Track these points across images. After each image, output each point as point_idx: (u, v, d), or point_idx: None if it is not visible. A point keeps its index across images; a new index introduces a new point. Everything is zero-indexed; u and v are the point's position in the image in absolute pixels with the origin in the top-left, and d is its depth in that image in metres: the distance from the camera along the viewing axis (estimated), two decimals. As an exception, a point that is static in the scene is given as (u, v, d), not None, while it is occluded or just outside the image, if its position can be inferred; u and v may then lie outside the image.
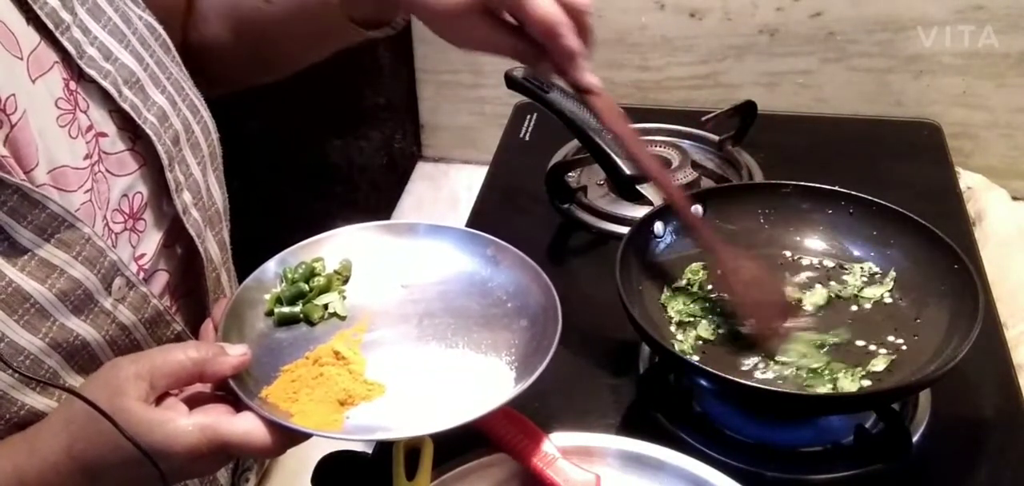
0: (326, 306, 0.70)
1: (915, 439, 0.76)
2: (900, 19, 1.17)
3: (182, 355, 0.59)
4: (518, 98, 1.14)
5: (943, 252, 0.80)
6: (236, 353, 0.61)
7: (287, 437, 0.58)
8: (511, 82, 1.04)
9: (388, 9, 0.78)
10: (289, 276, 0.72)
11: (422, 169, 1.39)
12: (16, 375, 0.60)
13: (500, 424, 0.71)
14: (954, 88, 1.20)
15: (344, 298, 0.71)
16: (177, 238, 0.74)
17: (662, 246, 0.87)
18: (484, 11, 0.70)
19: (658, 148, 1.12)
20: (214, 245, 0.77)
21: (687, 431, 0.77)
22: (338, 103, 1.38)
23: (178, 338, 0.72)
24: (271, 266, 0.73)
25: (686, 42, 1.25)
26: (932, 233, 0.81)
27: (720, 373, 0.74)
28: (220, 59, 0.88)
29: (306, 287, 0.71)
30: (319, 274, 0.72)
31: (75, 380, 0.65)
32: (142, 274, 0.69)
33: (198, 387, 0.61)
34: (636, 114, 1.19)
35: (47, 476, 0.58)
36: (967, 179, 1.15)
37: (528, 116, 1.22)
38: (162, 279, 0.73)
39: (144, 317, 0.68)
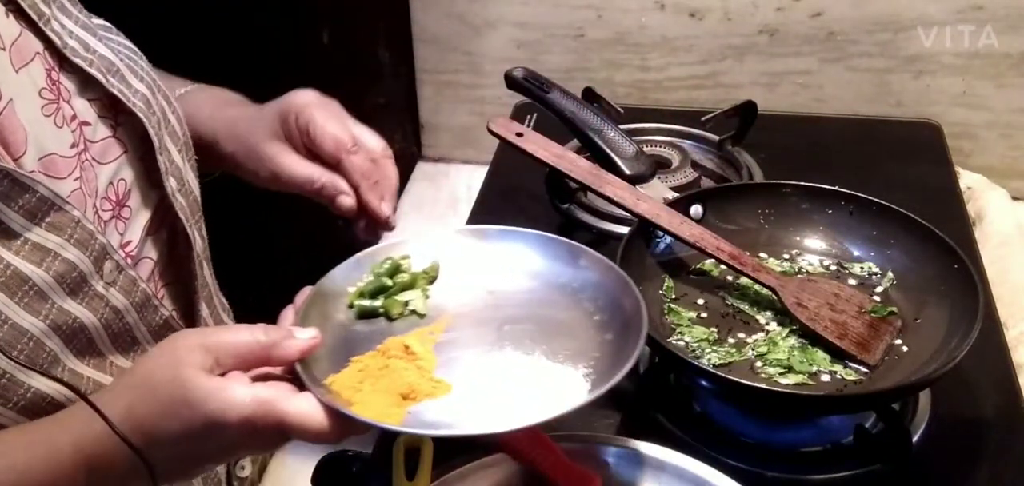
0: (407, 303, 0.70)
1: (915, 439, 0.76)
2: (900, 19, 1.17)
3: (250, 335, 0.59)
4: (518, 98, 1.14)
5: (943, 252, 0.80)
6: (305, 337, 0.60)
7: (344, 424, 0.57)
8: (511, 82, 1.04)
9: (217, 168, 0.85)
10: (374, 270, 0.72)
11: (422, 169, 1.39)
12: (21, 356, 0.60)
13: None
14: (954, 88, 1.20)
15: (427, 297, 0.70)
16: (161, 223, 0.74)
17: (662, 246, 0.87)
18: (285, 144, 0.80)
19: (658, 148, 1.12)
20: (197, 233, 0.77)
21: (687, 431, 0.77)
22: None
23: (167, 323, 0.72)
24: (359, 259, 0.72)
25: (686, 42, 1.25)
26: (932, 233, 0.81)
27: (720, 373, 0.74)
28: None
29: (389, 282, 0.70)
30: (404, 271, 0.72)
31: (74, 363, 0.65)
32: (129, 260, 0.70)
33: (267, 370, 0.60)
34: (636, 114, 1.19)
35: (104, 437, 0.58)
36: (967, 179, 1.15)
37: (528, 116, 1.22)
38: (148, 265, 0.73)
39: (134, 300, 0.69)
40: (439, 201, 1.30)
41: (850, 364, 0.76)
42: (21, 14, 0.64)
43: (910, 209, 0.84)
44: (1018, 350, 0.86)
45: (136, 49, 0.76)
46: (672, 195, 0.96)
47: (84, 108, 0.68)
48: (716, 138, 1.12)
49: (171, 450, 0.58)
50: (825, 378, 0.75)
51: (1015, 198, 1.15)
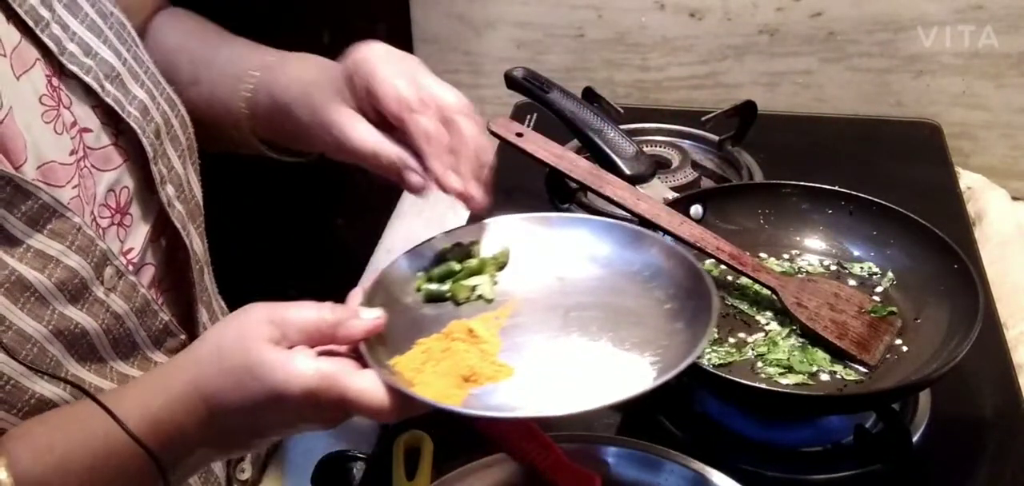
0: (474, 288, 0.69)
1: (915, 439, 0.76)
2: (900, 19, 1.17)
3: (317, 312, 0.59)
4: (518, 98, 1.14)
5: (943, 252, 0.80)
6: (370, 317, 0.60)
7: (404, 403, 0.57)
8: (511, 82, 1.05)
9: (302, 146, 0.79)
10: (442, 255, 0.71)
11: (422, 169, 1.39)
12: (27, 360, 0.60)
13: (501, 425, 0.71)
14: (954, 88, 1.20)
15: (495, 283, 0.70)
16: (162, 231, 0.74)
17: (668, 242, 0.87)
18: (355, 107, 0.71)
19: (658, 148, 1.12)
20: (196, 238, 0.77)
21: (687, 431, 0.77)
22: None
23: (166, 328, 0.73)
24: (428, 243, 0.72)
25: (686, 42, 1.25)
26: (932, 233, 0.81)
27: (720, 373, 0.74)
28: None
29: (457, 267, 0.70)
30: (473, 256, 0.71)
31: (77, 369, 0.65)
32: (131, 267, 0.70)
33: (331, 347, 0.60)
34: (636, 114, 1.19)
35: (173, 407, 0.59)
36: (967, 179, 1.15)
37: (528, 116, 1.21)
38: (149, 272, 0.73)
39: (134, 306, 0.69)
40: (439, 201, 1.29)
41: (850, 364, 0.76)
42: (19, 20, 0.64)
43: (910, 209, 0.84)
44: (1018, 350, 0.86)
45: (134, 33, 0.75)
46: (672, 195, 0.96)
47: (86, 115, 0.67)
48: (716, 138, 1.12)
49: (235, 420, 0.58)
50: (825, 378, 0.75)
51: (1015, 198, 1.15)
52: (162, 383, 0.60)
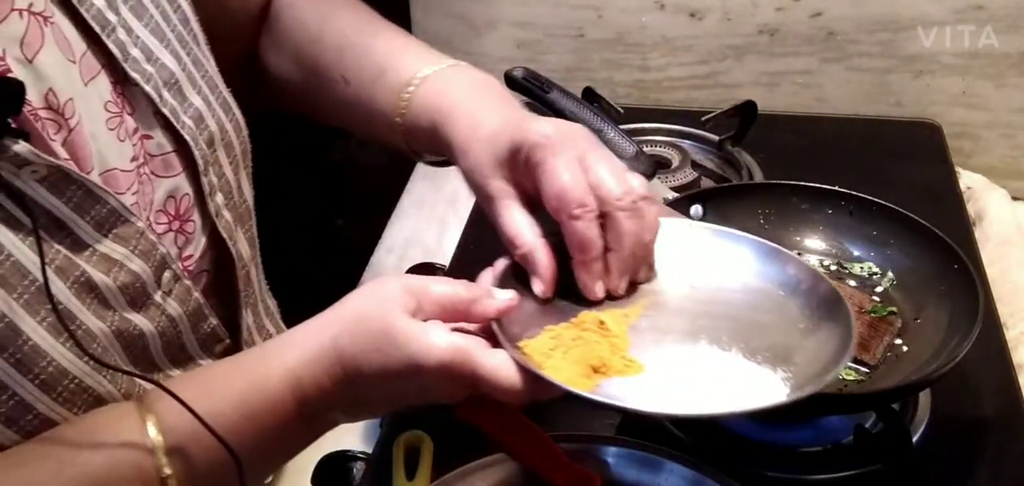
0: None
1: (915, 439, 0.76)
2: (900, 19, 1.17)
3: (452, 288, 0.60)
4: (518, 98, 1.14)
5: (943, 252, 0.80)
6: (504, 297, 0.61)
7: (535, 385, 0.57)
8: (511, 82, 1.04)
9: (441, 150, 0.76)
10: None
11: (422, 169, 1.39)
12: (91, 362, 0.60)
13: (500, 424, 0.71)
14: (954, 88, 1.20)
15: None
16: (213, 239, 0.74)
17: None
18: (513, 179, 0.67)
19: (658, 148, 1.12)
20: (244, 242, 0.77)
21: (687, 431, 0.77)
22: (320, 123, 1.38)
23: (213, 332, 0.73)
24: None
25: (686, 42, 1.25)
26: (932, 233, 0.81)
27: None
28: (283, 89, 0.88)
29: None
30: None
31: (133, 368, 0.65)
32: (187, 273, 0.70)
33: (463, 325, 0.61)
34: (636, 114, 1.19)
35: (312, 362, 0.60)
36: (967, 179, 1.15)
37: (528, 116, 1.22)
38: (204, 278, 0.73)
39: (188, 310, 0.69)
40: (439, 201, 1.30)
41: (850, 364, 0.76)
42: (85, 27, 0.63)
43: (910, 209, 0.84)
44: (1018, 350, 0.87)
45: (198, 32, 0.74)
46: (672, 195, 0.96)
47: (148, 121, 0.67)
48: (716, 138, 1.12)
49: (369, 385, 0.59)
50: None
51: (1015, 198, 1.15)
52: (304, 341, 0.61)
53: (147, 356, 0.66)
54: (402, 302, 0.59)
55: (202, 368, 0.64)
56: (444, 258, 1.08)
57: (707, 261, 0.70)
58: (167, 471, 0.58)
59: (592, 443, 0.71)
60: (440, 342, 0.57)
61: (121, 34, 0.65)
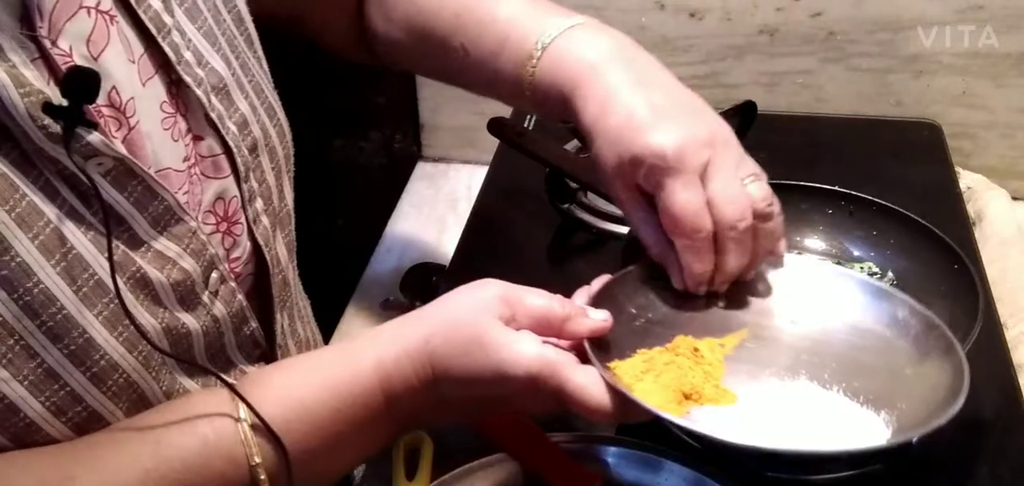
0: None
1: (915, 439, 0.76)
2: (900, 19, 1.17)
3: (547, 301, 0.61)
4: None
5: (943, 252, 0.80)
6: (598, 317, 0.61)
7: (623, 406, 0.57)
8: (511, 82, 1.04)
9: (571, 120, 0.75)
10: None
11: (422, 169, 1.39)
12: (140, 357, 0.61)
13: (501, 424, 0.71)
14: (954, 88, 1.20)
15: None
16: (254, 243, 0.74)
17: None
18: (635, 184, 0.67)
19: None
20: (282, 248, 0.77)
21: (687, 431, 0.77)
22: (338, 103, 1.38)
23: (252, 336, 0.73)
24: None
25: (686, 42, 1.25)
26: (932, 233, 0.81)
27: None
28: (395, 55, 0.87)
29: None
30: None
31: (176, 367, 0.66)
32: (234, 275, 0.70)
33: (554, 340, 0.61)
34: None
35: (403, 360, 0.60)
36: (967, 179, 1.15)
37: (528, 116, 1.22)
38: (249, 281, 0.74)
39: (231, 311, 0.69)
40: (439, 201, 1.30)
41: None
42: (142, 28, 0.64)
43: (910, 209, 0.84)
44: (1018, 350, 0.86)
45: (251, 32, 0.74)
46: (672, 195, 0.96)
47: (199, 123, 0.68)
48: (716, 138, 1.12)
49: (457, 388, 0.60)
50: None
51: (1015, 198, 1.15)
52: (397, 337, 0.61)
53: (189, 356, 0.66)
54: (497, 309, 0.59)
55: (292, 358, 0.66)
56: (444, 258, 1.08)
57: (813, 297, 0.68)
58: (256, 459, 0.58)
59: (592, 443, 0.71)
60: (529, 352, 0.57)
61: (176, 37, 0.65)
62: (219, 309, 0.68)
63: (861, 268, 0.85)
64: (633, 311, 0.67)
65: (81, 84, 0.55)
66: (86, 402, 0.59)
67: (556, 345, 0.60)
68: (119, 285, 0.57)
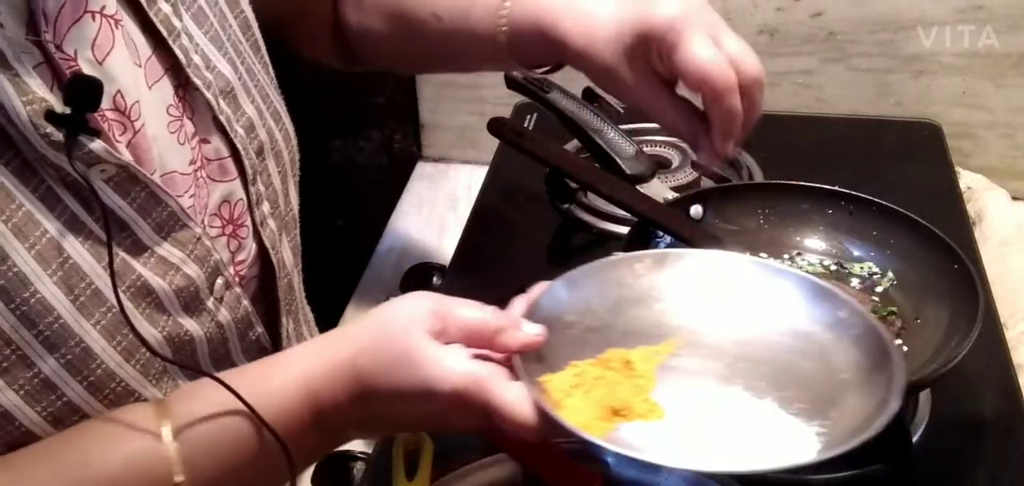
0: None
1: (915, 439, 0.76)
2: (900, 19, 1.17)
3: (480, 313, 0.59)
4: (518, 98, 1.14)
5: (943, 252, 0.79)
6: (532, 331, 0.60)
7: (548, 424, 0.56)
8: (511, 82, 1.04)
9: (555, 57, 0.75)
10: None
11: (422, 169, 1.39)
12: (139, 366, 0.61)
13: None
14: (954, 88, 1.20)
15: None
16: (262, 245, 0.74)
17: (663, 246, 0.87)
18: (645, 67, 0.67)
19: (658, 148, 1.12)
20: (288, 251, 0.77)
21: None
22: (338, 103, 1.38)
23: (258, 341, 0.73)
24: (606, 263, 0.69)
25: (686, 42, 1.25)
26: (932, 233, 0.81)
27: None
28: (371, 46, 0.87)
29: None
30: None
31: (179, 374, 0.65)
32: (239, 279, 0.70)
33: (487, 352, 0.60)
34: (636, 114, 1.19)
35: (331, 375, 0.59)
36: (967, 179, 1.15)
37: (528, 116, 1.22)
38: (253, 285, 0.74)
39: (236, 317, 0.69)
40: (439, 201, 1.30)
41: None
42: (151, 31, 0.64)
43: (910, 209, 0.84)
44: (1018, 350, 0.86)
45: (257, 37, 0.74)
46: (672, 195, 0.96)
47: (206, 126, 0.68)
48: (716, 138, 1.12)
49: (384, 404, 0.59)
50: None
51: (1015, 198, 1.15)
52: (325, 352, 0.61)
53: (194, 362, 0.66)
54: (427, 323, 0.58)
55: (225, 372, 0.64)
56: (444, 258, 1.08)
57: (753, 299, 0.67)
58: (179, 477, 0.58)
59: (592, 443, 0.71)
60: (456, 368, 0.56)
61: (185, 40, 0.66)
62: (224, 315, 0.68)
63: (861, 268, 0.85)
64: (571, 319, 0.65)
65: (84, 92, 0.55)
66: (83, 411, 0.59)
67: (491, 358, 0.59)
68: (119, 294, 0.57)
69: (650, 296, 0.67)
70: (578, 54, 0.70)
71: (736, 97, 0.65)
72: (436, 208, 1.29)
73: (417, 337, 0.57)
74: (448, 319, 0.59)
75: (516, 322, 0.60)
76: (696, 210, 0.88)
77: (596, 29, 0.69)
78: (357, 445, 0.83)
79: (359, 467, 0.81)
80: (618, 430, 0.57)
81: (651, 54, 0.66)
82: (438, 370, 0.56)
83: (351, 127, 1.41)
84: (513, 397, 0.56)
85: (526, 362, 0.59)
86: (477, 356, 0.58)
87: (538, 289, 0.65)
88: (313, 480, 0.80)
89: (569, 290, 0.67)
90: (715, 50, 0.65)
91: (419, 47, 0.83)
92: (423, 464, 0.74)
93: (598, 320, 0.66)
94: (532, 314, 0.62)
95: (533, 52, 0.75)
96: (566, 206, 1.05)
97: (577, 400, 0.58)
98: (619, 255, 0.69)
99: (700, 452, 0.56)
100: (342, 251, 1.26)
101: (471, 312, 0.60)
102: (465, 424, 0.59)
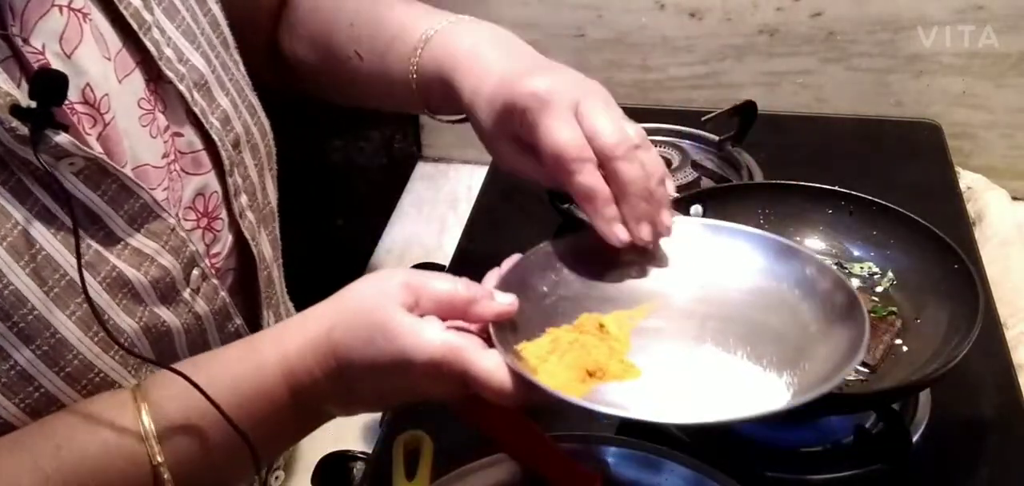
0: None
1: (915, 439, 0.76)
2: (900, 19, 1.17)
3: (453, 285, 0.60)
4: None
5: (943, 252, 0.80)
6: (504, 301, 0.61)
7: (526, 389, 0.57)
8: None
9: (456, 107, 0.77)
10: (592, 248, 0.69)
11: (422, 169, 1.39)
12: (117, 356, 0.61)
13: (500, 424, 0.71)
14: (954, 88, 1.20)
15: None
16: (240, 238, 0.74)
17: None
18: (515, 136, 0.69)
19: (658, 148, 1.12)
20: (267, 244, 0.78)
21: (687, 431, 0.77)
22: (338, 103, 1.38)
23: (237, 333, 0.73)
24: (582, 236, 0.70)
25: (686, 42, 1.25)
26: (932, 233, 0.81)
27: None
28: (302, 75, 0.88)
29: None
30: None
31: (157, 366, 0.65)
32: (215, 271, 0.70)
33: (462, 324, 0.60)
34: (636, 114, 1.18)
35: (306, 352, 0.60)
36: (967, 179, 1.15)
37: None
38: (230, 277, 0.74)
39: (214, 308, 0.69)
40: (439, 201, 1.30)
41: (850, 364, 0.76)
42: (121, 24, 0.64)
43: (910, 209, 0.84)
44: (1018, 350, 0.86)
45: (227, 36, 0.75)
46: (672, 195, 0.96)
47: (179, 119, 0.68)
48: (716, 138, 1.12)
49: (360, 377, 0.59)
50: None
51: (1015, 198, 1.15)
52: (300, 329, 0.61)
53: (172, 353, 0.66)
54: (400, 296, 0.58)
55: (199, 356, 0.64)
56: (444, 258, 1.08)
57: (720, 260, 0.69)
58: (158, 458, 0.58)
59: (592, 443, 0.71)
60: (433, 339, 0.56)
61: (156, 33, 0.66)
62: (201, 306, 0.68)
63: (861, 268, 0.85)
64: (544, 289, 0.67)
65: (49, 85, 0.55)
66: (61, 403, 0.59)
67: (464, 329, 0.59)
68: (88, 284, 0.57)
69: (622, 264, 0.69)
70: (466, 107, 0.73)
71: (588, 173, 0.64)
72: (436, 208, 1.29)
73: (392, 310, 0.58)
74: (420, 291, 0.59)
75: (488, 293, 0.61)
76: (696, 210, 0.88)
77: (485, 86, 0.70)
78: (357, 445, 0.83)
79: (359, 467, 0.81)
80: (596, 390, 0.58)
81: (517, 126, 0.67)
82: (414, 340, 0.56)
83: (351, 127, 1.41)
84: (490, 364, 0.56)
85: (501, 331, 0.59)
86: (452, 327, 0.59)
87: (510, 262, 0.66)
88: (313, 480, 0.80)
89: (542, 261, 0.68)
90: (572, 127, 0.65)
91: (344, 81, 0.85)
92: (423, 464, 0.74)
93: (571, 290, 0.67)
94: (505, 285, 0.63)
95: (438, 99, 0.77)
96: (566, 206, 1.05)
97: (553, 364, 0.59)
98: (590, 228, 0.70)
99: (676, 406, 0.58)
100: (342, 251, 1.26)
101: (443, 284, 0.60)
102: (442, 392, 0.59)
